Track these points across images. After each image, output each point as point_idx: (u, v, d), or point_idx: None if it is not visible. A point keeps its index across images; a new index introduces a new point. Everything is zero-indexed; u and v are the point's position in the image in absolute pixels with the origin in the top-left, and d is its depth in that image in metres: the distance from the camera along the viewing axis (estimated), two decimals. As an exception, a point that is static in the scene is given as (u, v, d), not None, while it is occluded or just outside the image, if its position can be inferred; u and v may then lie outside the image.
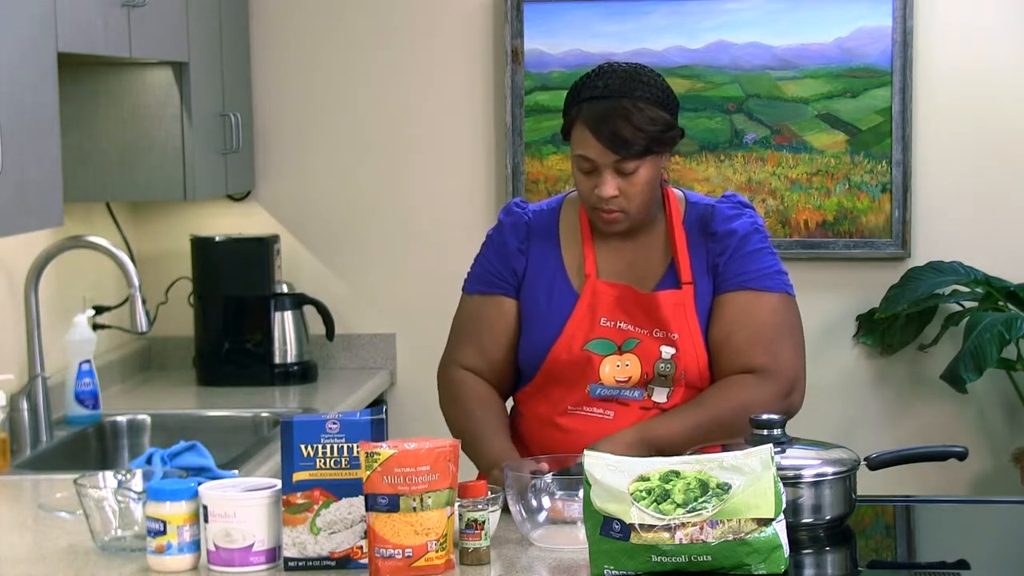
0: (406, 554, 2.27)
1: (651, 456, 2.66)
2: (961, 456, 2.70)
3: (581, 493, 2.32)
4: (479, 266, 2.92)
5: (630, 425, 2.76)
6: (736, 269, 2.80)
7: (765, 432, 2.54)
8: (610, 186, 2.72)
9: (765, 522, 2.24)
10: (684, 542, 2.23)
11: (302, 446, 2.34)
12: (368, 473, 2.27)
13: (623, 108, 2.70)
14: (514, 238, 2.87)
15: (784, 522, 2.28)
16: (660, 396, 2.77)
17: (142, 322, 3.58)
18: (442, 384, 2.94)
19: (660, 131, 2.72)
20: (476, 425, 2.82)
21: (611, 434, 2.73)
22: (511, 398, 2.96)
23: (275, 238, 4.48)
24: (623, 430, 2.74)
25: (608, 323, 2.78)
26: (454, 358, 2.91)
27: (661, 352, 2.76)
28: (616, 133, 2.69)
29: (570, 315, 2.80)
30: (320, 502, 2.33)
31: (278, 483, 2.37)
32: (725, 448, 2.46)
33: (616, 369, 2.77)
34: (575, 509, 2.40)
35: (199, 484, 2.39)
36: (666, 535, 2.23)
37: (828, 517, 2.50)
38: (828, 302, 4.53)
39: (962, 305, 4.39)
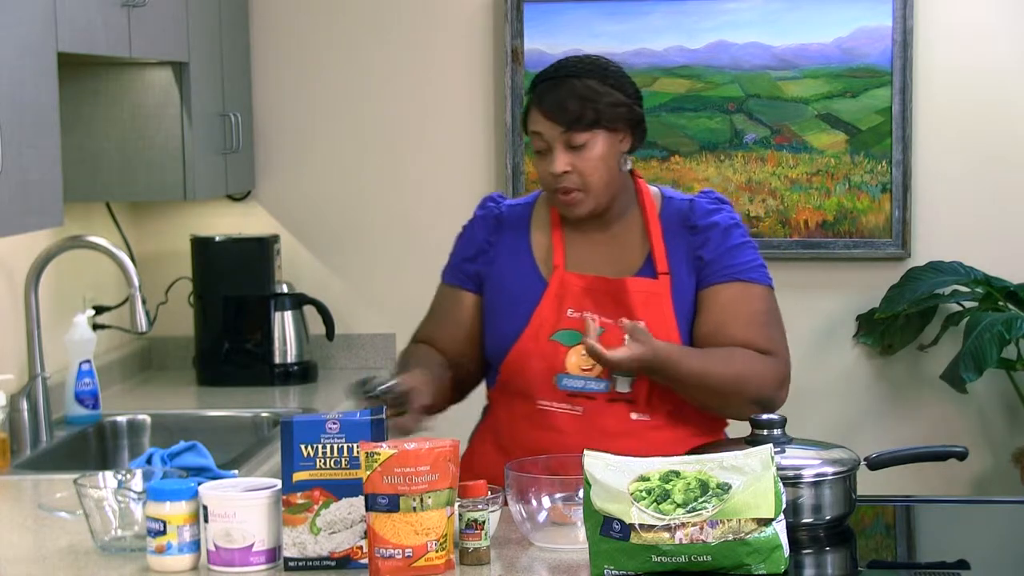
0: (406, 554, 2.27)
1: (650, 363, 2.69)
2: (961, 456, 2.71)
3: (581, 494, 2.32)
4: (452, 257, 3.01)
5: (599, 419, 2.77)
6: (724, 262, 2.83)
7: (765, 432, 2.54)
8: (560, 161, 2.76)
9: (765, 522, 2.24)
10: (684, 542, 2.23)
11: (302, 446, 2.34)
12: (368, 473, 2.27)
13: (569, 83, 2.78)
14: (482, 231, 2.94)
15: (784, 522, 2.28)
16: (623, 385, 2.79)
17: (142, 322, 3.58)
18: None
19: (608, 104, 2.76)
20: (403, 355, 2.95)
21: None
22: (486, 398, 3.00)
23: (275, 238, 4.48)
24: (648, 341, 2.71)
25: (575, 314, 2.80)
26: (415, 335, 3.02)
27: (625, 340, 2.76)
28: (561, 104, 2.75)
29: (537, 305, 2.82)
30: (320, 502, 2.33)
31: (278, 483, 2.37)
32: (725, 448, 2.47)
33: (581, 358, 2.79)
34: (575, 512, 2.40)
35: (199, 484, 2.39)
36: (666, 535, 2.23)
37: (828, 517, 2.50)
38: (828, 302, 4.54)
39: (962, 305, 4.39)
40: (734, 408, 2.81)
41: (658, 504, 2.24)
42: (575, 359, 2.79)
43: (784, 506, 2.29)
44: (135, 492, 2.46)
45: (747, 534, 2.23)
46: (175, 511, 2.35)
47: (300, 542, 2.34)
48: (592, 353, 2.69)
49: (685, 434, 2.79)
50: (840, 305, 4.55)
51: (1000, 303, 4.32)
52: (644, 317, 2.77)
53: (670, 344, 2.75)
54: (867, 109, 4.46)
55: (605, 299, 2.81)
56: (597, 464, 2.31)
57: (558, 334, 2.81)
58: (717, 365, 2.77)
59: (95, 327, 4.07)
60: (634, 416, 2.78)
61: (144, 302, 3.60)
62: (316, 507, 2.33)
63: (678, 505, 2.24)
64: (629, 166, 2.87)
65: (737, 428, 2.77)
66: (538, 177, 2.86)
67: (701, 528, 2.23)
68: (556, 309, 2.81)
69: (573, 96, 2.75)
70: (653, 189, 2.92)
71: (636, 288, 2.80)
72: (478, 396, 3.05)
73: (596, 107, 2.75)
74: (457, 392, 2.96)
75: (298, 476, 2.34)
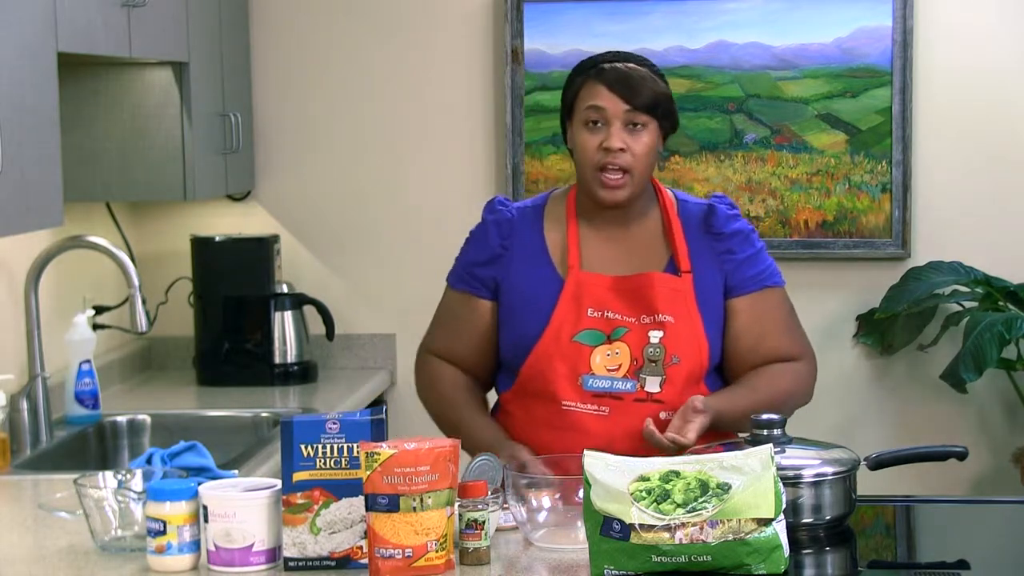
0: (406, 554, 2.27)
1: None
2: (961, 456, 2.71)
3: (581, 494, 2.32)
4: (460, 263, 2.98)
5: (625, 419, 2.77)
6: (751, 270, 2.88)
7: (765, 432, 2.54)
8: (618, 138, 2.77)
9: (765, 522, 2.24)
10: (684, 542, 2.23)
11: (302, 446, 2.34)
12: (368, 473, 2.27)
13: (635, 69, 2.83)
14: (496, 236, 2.91)
15: (784, 522, 2.28)
16: (652, 386, 2.78)
17: (142, 322, 3.58)
18: (418, 370, 3.03)
19: (665, 95, 2.82)
20: (456, 411, 2.92)
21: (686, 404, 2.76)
22: (497, 399, 2.98)
23: (275, 238, 4.48)
24: (696, 396, 2.77)
25: (595, 313, 2.80)
26: (429, 346, 3.01)
27: (649, 337, 2.78)
28: (629, 82, 2.78)
29: (555, 306, 2.81)
30: (320, 502, 2.34)
31: (278, 483, 2.37)
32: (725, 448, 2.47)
33: (607, 358, 2.79)
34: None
35: (199, 484, 2.39)
36: (666, 535, 2.23)
37: (828, 517, 2.50)
38: (828, 302, 4.53)
39: (962, 305, 4.39)
40: None
41: (658, 504, 2.24)
42: (600, 359, 2.79)
43: (784, 506, 2.29)
44: (135, 492, 2.46)
45: (747, 534, 2.23)
46: (175, 511, 2.35)
47: (300, 542, 2.34)
48: (661, 446, 2.68)
49: (711, 432, 2.79)
50: (840, 305, 4.54)
51: (1000, 303, 4.32)
52: (666, 312, 2.79)
53: (714, 399, 2.78)
54: (867, 109, 4.46)
55: (627, 297, 2.81)
56: (597, 464, 2.31)
57: (581, 335, 2.80)
58: (763, 397, 2.83)
59: (95, 327, 4.07)
60: (663, 416, 2.78)
61: (144, 302, 3.60)
62: (316, 507, 2.33)
63: (678, 505, 2.24)
64: (659, 164, 2.92)
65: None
66: (583, 155, 2.81)
67: (701, 528, 2.23)
68: (575, 310, 2.81)
69: (639, 76, 2.80)
70: (666, 189, 2.94)
71: (662, 284, 2.81)
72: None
73: (657, 93, 2.81)
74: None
75: (298, 476, 2.34)
